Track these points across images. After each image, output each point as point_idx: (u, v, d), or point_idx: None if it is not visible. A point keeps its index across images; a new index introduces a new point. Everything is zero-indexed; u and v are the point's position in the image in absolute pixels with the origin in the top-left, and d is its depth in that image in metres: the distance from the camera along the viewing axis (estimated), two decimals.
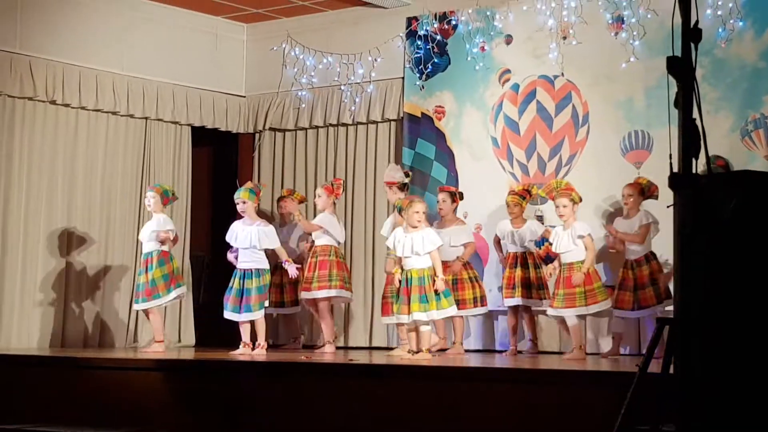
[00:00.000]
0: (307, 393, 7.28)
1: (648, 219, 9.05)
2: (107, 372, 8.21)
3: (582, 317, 9.27)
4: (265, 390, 7.49)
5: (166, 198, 10.13)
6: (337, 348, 10.40)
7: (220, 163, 12.70)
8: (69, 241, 10.84)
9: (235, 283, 9.51)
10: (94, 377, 8.18)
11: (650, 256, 9.08)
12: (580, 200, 9.28)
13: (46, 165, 10.70)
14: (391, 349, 10.26)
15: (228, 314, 9.56)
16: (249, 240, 9.50)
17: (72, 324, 10.81)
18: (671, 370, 3.91)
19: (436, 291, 8.45)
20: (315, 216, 10.45)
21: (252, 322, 9.52)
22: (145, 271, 9.87)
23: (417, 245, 8.51)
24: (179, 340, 11.58)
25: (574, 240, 9.12)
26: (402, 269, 8.61)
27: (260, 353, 9.39)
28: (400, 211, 8.81)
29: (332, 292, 9.95)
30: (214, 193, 11.47)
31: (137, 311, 10.65)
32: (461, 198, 9.95)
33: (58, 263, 10.74)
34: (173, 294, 9.94)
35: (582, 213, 9.84)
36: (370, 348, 11.10)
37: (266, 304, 9.56)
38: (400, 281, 8.57)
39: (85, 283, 10.96)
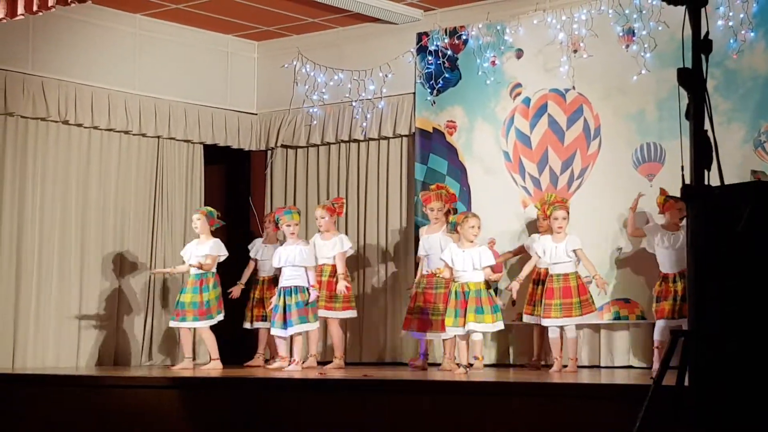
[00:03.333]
0: (323, 409, 7.27)
1: None
2: (125, 391, 8.22)
3: (579, 328, 9.47)
4: (282, 406, 7.48)
5: (212, 219, 10.33)
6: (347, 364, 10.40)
7: (233, 180, 12.72)
8: (83, 259, 10.87)
9: (278, 300, 9.68)
10: (113, 396, 8.19)
11: None
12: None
13: (59, 185, 10.74)
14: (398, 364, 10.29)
15: (274, 331, 9.74)
16: (293, 258, 9.68)
17: (87, 342, 10.83)
18: (686, 382, 3.90)
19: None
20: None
21: (291, 337, 9.75)
22: (200, 291, 10.08)
23: (475, 260, 8.98)
24: (194, 358, 11.56)
25: (568, 252, 9.22)
26: (454, 280, 9.06)
27: (295, 368, 9.56)
28: (455, 227, 9.24)
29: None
30: (227, 211, 11.47)
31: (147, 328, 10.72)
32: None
33: (72, 282, 10.76)
34: (221, 316, 10.28)
35: (593, 226, 9.85)
36: (385, 363, 11.10)
37: (310, 318, 9.69)
38: (455, 293, 8.99)
39: (99, 301, 10.98)
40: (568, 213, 9.35)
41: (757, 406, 3.82)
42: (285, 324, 9.58)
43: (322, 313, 9.98)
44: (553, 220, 9.30)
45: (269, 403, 7.55)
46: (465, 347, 9.08)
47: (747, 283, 3.89)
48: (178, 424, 7.77)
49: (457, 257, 9.03)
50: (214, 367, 10.05)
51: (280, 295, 9.67)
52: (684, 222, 9.00)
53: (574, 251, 9.22)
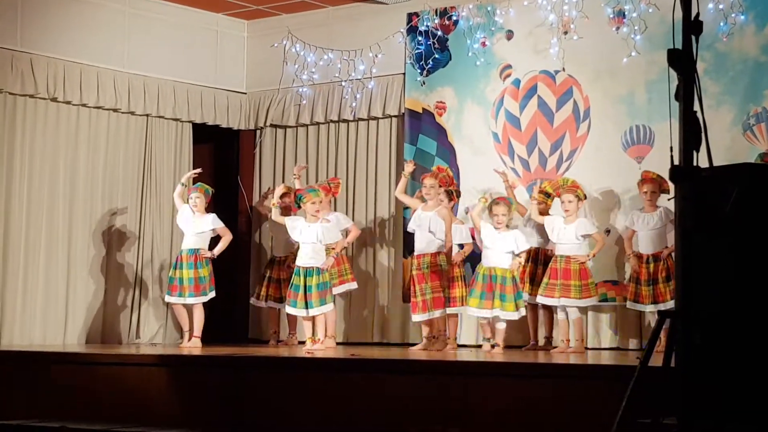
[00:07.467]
0: (311, 388, 7.29)
1: (669, 217, 9.03)
2: (113, 368, 8.22)
3: (582, 311, 9.47)
4: (268, 385, 7.49)
5: (209, 197, 10.38)
6: (337, 343, 10.40)
7: (222, 159, 12.69)
8: (71, 237, 10.85)
9: (298, 280, 9.64)
10: (100, 374, 8.19)
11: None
12: (585, 197, 9.41)
13: (47, 162, 10.71)
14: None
15: (292, 310, 9.75)
16: (315, 236, 9.66)
17: (74, 319, 10.81)
18: (672, 363, 3.91)
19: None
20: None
21: (314, 318, 9.69)
22: (194, 267, 10.08)
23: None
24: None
25: (577, 235, 9.29)
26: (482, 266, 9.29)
27: (320, 347, 9.58)
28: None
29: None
30: (215, 190, 11.43)
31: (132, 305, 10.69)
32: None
33: (59, 259, 10.74)
34: (213, 293, 10.26)
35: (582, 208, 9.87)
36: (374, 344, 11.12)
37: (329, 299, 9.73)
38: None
39: (86, 279, 10.96)
40: (575, 197, 9.41)
41: (742, 386, 3.83)
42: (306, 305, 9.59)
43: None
44: (561, 203, 9.44)
45: (255, 381, 7.56)
46: (490, 329, 9.31)
47: (733, 264, 3.90)
48: (165, 402, 7.78)
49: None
50: (195, 345, 10.02)
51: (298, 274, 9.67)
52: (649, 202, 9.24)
53: (588, 236, 9.36)
